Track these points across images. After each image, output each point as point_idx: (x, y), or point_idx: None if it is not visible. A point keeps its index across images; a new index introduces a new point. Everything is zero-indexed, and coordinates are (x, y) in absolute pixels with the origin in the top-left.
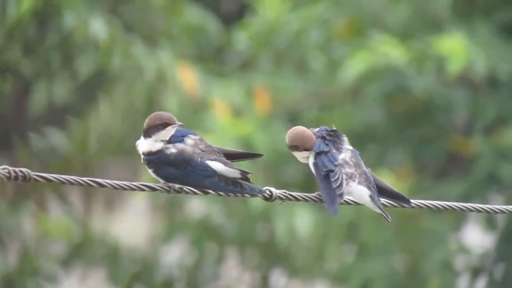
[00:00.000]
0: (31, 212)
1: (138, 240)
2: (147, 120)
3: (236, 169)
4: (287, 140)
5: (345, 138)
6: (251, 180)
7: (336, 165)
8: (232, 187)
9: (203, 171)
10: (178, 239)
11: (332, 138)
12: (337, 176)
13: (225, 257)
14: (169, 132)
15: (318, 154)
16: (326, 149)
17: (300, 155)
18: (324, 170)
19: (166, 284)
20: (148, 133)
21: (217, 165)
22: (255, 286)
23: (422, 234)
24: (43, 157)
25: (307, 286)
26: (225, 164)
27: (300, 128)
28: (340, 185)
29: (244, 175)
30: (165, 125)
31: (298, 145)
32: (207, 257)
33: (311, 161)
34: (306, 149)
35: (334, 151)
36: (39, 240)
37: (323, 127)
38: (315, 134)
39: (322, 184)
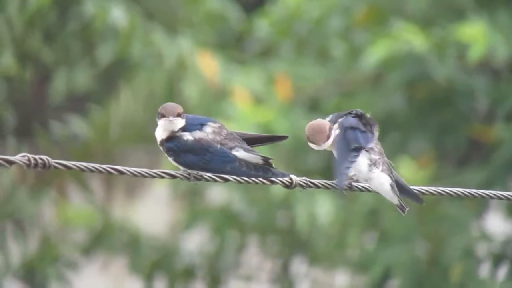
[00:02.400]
0: (52, 200)
1: (159, 228)
2: None
3: (257, 155)
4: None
5: (377, 126)
6: (273, 165)
7: (367, 146)
8: (254, 171)
9: (223, 157)
10: (199, 226)
11: (366, 121)
12: (358, 158)
13: (246, 244)
14: (165, 123)
15: (352, 129)
16: (363, 128)
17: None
18: (355, 145)
19: (187, 272)
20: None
21: (238, 153)
22: (276, 273)
23: (443, 221)
24: (63, 145)
25: (328, 274)
26: (246, 150)
27: (313, 123)
28: (352, 162)
29: (266, 160)
30: (161, 115)
31: (308, 136)
32: (228, 245)
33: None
34: (312, 142)
35: (370, 134)
36: (60, 228)
37: (358, 110)
38: (347, 115)
39: (340, 154)
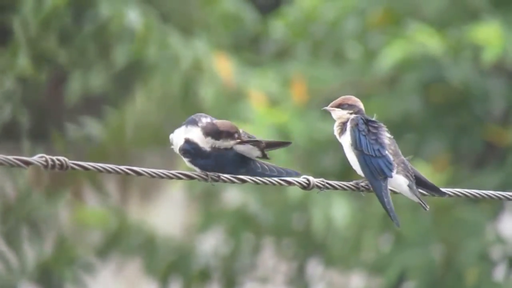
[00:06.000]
0: (67, 202)
1: (174, 230)
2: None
3: (251, 142)
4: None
5: (384, 128)
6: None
7: (392, 171)
8: (269, 172)
9: (238, 161)
10: (214, 228)
11: (376, 130)
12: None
13: (262, 246)
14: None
15: (372, 157)
16: (383, 152)
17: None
18: (381, 176)
19: (202, 274)
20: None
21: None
22: (291, 276)
23: (458, 225)
24: (79, 147)
25: (344, 276)
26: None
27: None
28: (388, 196)
29: (259, 146)
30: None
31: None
32: (243, 246)
33: (346, 144)
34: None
35: (386, 153)
36: (76, 230)
37: (359, 116)
38: (352, 121)
39: (379, 188)
